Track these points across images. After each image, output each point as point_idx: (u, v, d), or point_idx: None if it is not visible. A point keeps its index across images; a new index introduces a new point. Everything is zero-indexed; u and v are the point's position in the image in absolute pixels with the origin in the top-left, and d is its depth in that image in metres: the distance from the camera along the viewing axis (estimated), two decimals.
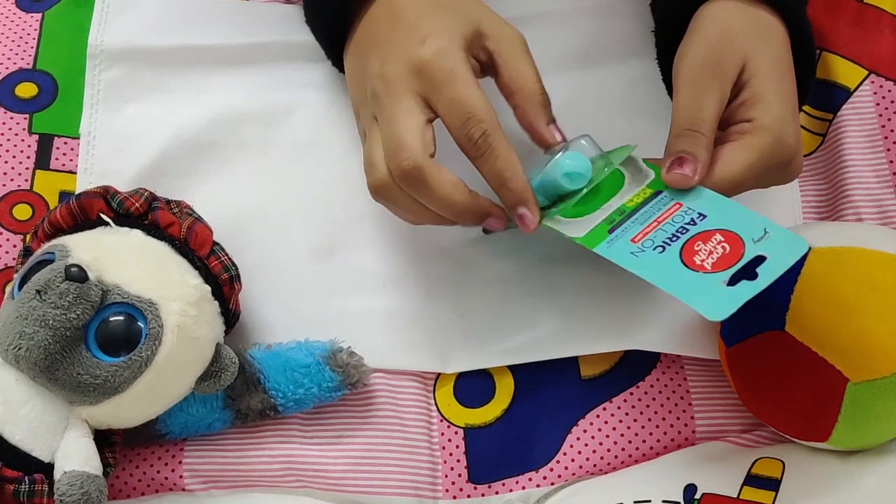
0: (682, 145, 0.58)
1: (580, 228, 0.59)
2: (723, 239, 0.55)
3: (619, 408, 0.70)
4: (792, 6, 0.63)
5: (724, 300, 0.52)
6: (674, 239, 0.56)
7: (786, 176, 0.62)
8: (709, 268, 0.54)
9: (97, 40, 0.75)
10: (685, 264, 0.55)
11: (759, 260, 0.54)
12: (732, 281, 0.53)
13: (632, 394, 0.70)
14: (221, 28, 0.76)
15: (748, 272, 0.53)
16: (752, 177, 0.59)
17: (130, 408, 0.62)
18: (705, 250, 0.55)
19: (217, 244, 0.66)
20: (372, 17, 0.65)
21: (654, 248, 0.56)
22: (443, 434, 0.69)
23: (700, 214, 0.57)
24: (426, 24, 0.61)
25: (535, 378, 0.70)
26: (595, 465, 0.68)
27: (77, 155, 0.73)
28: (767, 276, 0.53)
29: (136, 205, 0.65)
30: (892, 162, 0.73)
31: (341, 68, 0.71)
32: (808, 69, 0.65)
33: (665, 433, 0.69)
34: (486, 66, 0.63)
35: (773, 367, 0.62)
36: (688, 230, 0.56)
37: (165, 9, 0.77)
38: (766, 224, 0.55)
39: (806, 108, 0.77)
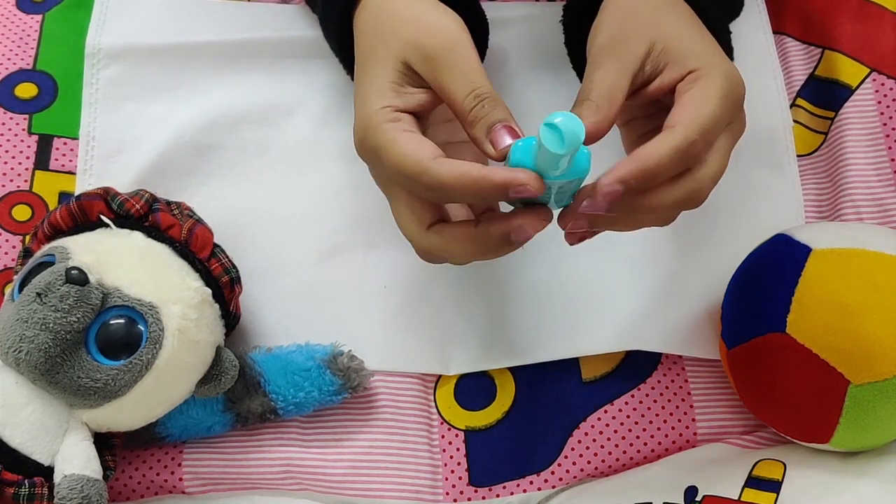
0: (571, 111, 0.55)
1: None
2: None
3: (620, 410, 0.70)
4: None
5: None
6: None
7: (741, 120, 0.58)
8: None
9: (95, 40, 0.75)
10: None
11: None
12: None
13: (633, 396, 0.70)
14: (219, 26, 0.76)
15: None
16: (723, 112, 0.55)
17: (131, 411, 0.62)
18: None
19: (218, 246, 0.66)
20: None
21: None
22: (443, 436, 0.69)
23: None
24: (361, 77, 0.59)
25: (536, 380, 0.70)
26: (596, 468, 0.69)
27: (76, 156, 0.73)
28: None
29: (137, 206, 0.65)
30: (893, 160, 0.73)
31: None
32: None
33: (666, 435, 0.69)
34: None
35: (774, 369, 0.62)
36: None
37: (164, 9, 0.76)
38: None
39: (808, 105, 0.77)
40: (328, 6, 0.66)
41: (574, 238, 0.56)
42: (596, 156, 0.52)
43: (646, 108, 0.60)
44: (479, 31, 0.69)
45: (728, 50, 0.64)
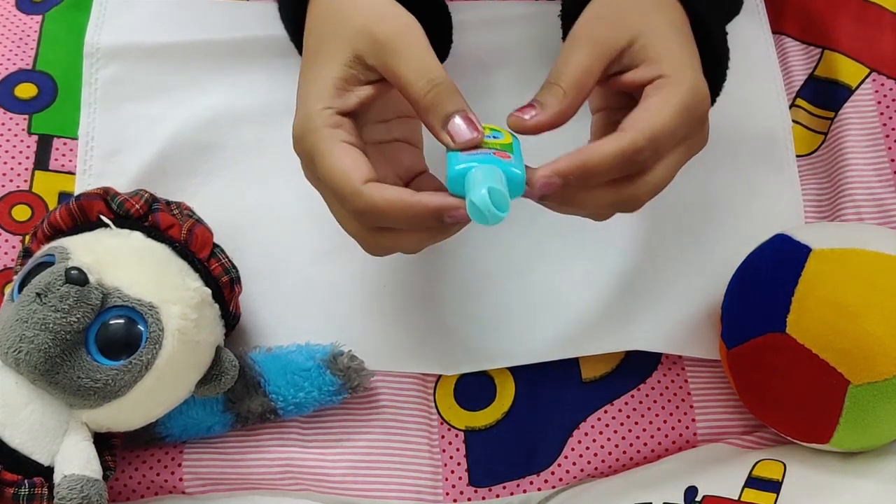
0: (537, 95, 0.55)
1: None
2: None
3: (620, 410, 0.70)
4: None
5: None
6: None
7: (701, 137, 0.58)
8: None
9: (93, 39, 0.75)
10: None
11: None
12: None
13: (633, 396, 0.70)
14: (218, 25, 0.76)
15: None
16: (679, 125, 0.55)
17: (130, 411, 0.62)
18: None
19: (217, 246, 0.66)
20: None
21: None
22: (443, 437, 0.69)
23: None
24: (307, 71, 0.58)
25: (536, 380, 0.70)
26: (596, 469, 0.69)
27: (76, 156, 0.73)
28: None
29: (137, 206, 0.65)
30: (893, 160, 0.73)
31: None
32: (717, 65, 0.62)
33: (666, 435, 0.69)
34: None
35: (774, 369, 0.62)
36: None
37: (162, 8, 0.76)
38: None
39: (807, 106, 0.77)
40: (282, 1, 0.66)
41: None
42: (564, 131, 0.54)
43: (618, 100, 0.59)
44: (442, 29, 0.68)
45: (724, 52, 0.64)
